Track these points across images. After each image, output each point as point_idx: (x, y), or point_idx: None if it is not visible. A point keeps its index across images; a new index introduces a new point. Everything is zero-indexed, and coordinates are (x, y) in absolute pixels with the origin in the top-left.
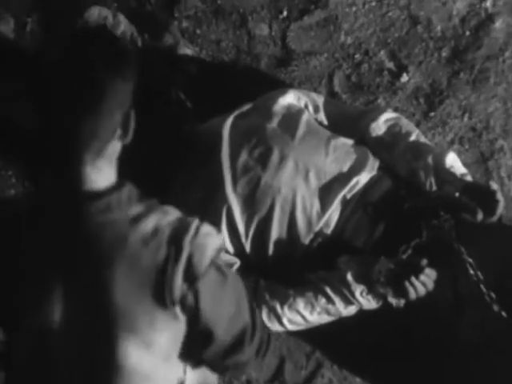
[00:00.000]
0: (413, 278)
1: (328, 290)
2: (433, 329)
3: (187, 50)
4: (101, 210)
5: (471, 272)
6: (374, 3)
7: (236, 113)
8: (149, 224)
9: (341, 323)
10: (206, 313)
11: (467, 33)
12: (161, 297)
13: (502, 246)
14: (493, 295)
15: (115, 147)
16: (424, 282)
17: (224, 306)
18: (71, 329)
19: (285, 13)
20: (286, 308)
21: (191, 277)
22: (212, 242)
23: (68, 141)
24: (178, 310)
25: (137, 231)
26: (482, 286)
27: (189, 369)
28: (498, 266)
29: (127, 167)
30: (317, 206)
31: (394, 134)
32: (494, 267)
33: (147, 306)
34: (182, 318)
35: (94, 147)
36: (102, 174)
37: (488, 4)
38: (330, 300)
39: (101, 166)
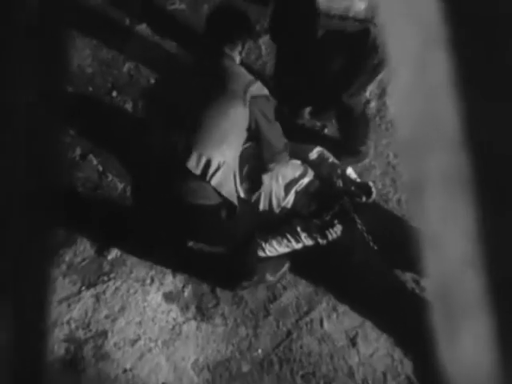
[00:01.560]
0: (330, 229)
1: (288, 236)
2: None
3: None
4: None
5: (360, 228)
6: None
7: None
8: None
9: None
10: None
11: None
12: None
13: (375, 214)
14: (370, 238)
15: None
16: (335, 232)
17: None
18: None
19: None
20: (267, 244)
21: None
22: None
23: None
24: None
25: None
26: (365, 235)
27: None
28: (374, 225)
29: None
30: (282, 194)
31: (321, 157)
32: (372, 225)
33: None
34: None
35: None
36: None
37: None
38: (289, 240)
39: None
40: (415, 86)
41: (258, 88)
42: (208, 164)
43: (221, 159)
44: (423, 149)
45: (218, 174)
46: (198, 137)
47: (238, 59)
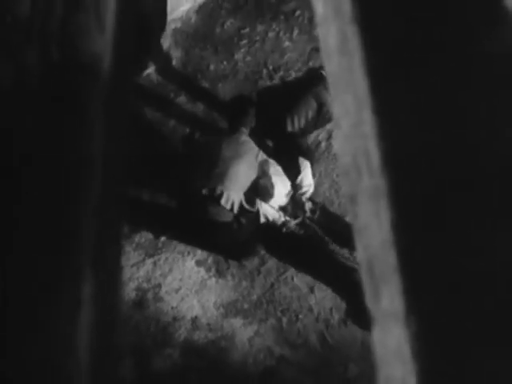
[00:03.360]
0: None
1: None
2: None
3: None
4: None
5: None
6: None
7: None
8: None
9: None
10: None
11: None
12: None
13: (324, 213)
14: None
15: None
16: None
17: None
18: None
19: None
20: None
21: None
22: None
23: None
24: None
25: None
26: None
27: None
28: (323, 220)
29: None
30: (272, 211)
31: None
32: (322, 220)
33: None
34: None
35: None
36: None
37: None
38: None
39: None
40: (351, 133)
41: (263, 154)
42: (233, 202)
43: (241, 198)
44: (356, 172)
45: (236, 206)
46: (227, 185)
47: (248, 131)
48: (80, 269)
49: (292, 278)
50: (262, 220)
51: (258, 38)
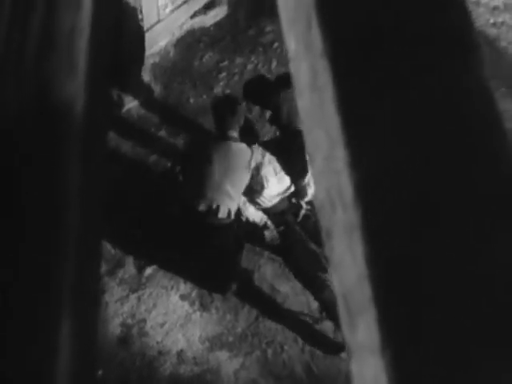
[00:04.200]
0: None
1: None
2: None
3: None
4: None
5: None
6: None
7: None
8: None
9: None
10: None
11: None
12: None
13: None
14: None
15: None
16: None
17: None
18: None
19: None
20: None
21: None
22: None
23: None
24: None
25: None
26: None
27: None
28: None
29: None
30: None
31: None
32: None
33: None
34: None
35: None
36: None
37: None
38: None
39: None
40: (324, 168)
41: (258, 155)
42: (230, 211)
43: (238, 203)
44: (330, 206)
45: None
46: (223, 198)
47: (237, 132)
48: (57, 318)
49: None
50: (244, 219)
51: (236, 70)
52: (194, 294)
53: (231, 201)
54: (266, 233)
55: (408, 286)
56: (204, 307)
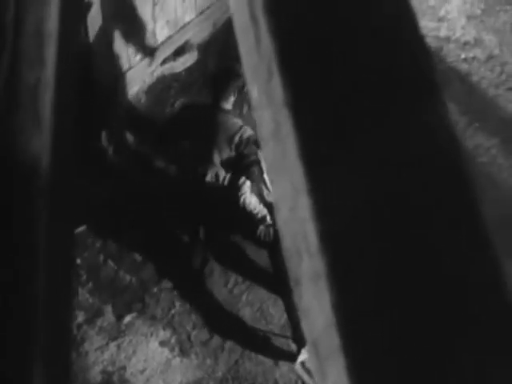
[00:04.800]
0: None
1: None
2: None
3: None
4: None
5: None
6: None
7: None
8: None
9: None
10: None
11: None
12: None
13: None
14: None
15: None
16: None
17: None
18: None
19: None
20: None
21: None
22: None
23: None
24: None
25: None
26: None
27: None
28: None
29: None
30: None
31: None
32: None
33: None
34: None
35: None
36: None
37: None
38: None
39: None
40: (289, 217)
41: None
42: (217, 176)
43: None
44: (296, 255)
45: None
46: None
47: (231, 104)
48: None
49: (255, 354)
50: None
51: None
52: (173, 340)
53: (218, 168)
54: (261, 227)
55: (375, 334)
56: (184, 353)
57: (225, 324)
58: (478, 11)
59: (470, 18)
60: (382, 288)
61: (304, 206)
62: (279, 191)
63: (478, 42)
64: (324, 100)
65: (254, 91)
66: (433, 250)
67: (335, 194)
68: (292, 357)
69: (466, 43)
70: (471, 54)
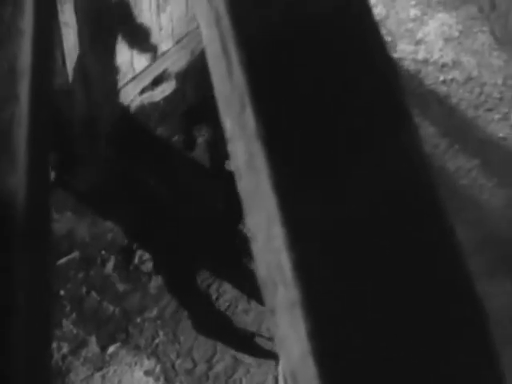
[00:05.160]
0: None
1: None
2: None
3: None
4: None
5: None
6: None
7: None
8: None
9: None
10: None
11: None
12: None
13: None
14: None
15: None
16: None
17: None
18: None
19: None
20: None
21: None
22: None
23: None
24: None
25: None
26: None
27: None
28: None
29: None
30: None
31: None
32: None
33: None
34: None
35: None
36: None
37: None
38: None
39: None
40: (264, 247)
41: None
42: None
43: None
44: (272, 284)
45: None
46: None
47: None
48: None
49: (240, 381)
50: None
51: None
52: (158, 369)
53: None
54: None
55: (352, 361)
56: (169, 382)
57: (212, 325)
58: (456, 33)
59: (447, 40)
60: (358, 314)
61: (278, 236)
62: (254, 221)
63: (456, 64)
64: (296, 131)
65: (228, 123)
66: (407, 274)
67: (308, 224)
68: (276, 356)
69: (444, 65)
70: (450, 76)
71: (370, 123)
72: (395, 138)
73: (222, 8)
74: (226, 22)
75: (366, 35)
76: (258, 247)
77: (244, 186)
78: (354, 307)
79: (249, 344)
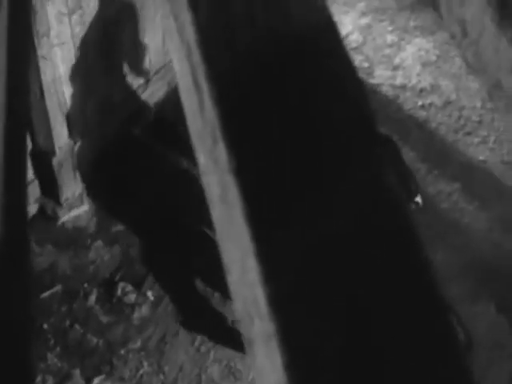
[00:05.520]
0: None
1: None
2: None
3: None
4: None
5: None
6: None
7: None
8: None
9: None
10: None
11: None
12: None
13: None
14: None
15: None
16: None
17: None
18: None
19: None
20: None
21: None
22: None
23: None
24: None
25: None
26: None
27: None
28: None
29: None
30: None
31: None
32: None
33: None
34: None
35: None
36: None
37: None
38: None
39: None
40: (239, 280)
41: None
42: None
43: None
44: (248, 317)
45: None
46: None
47: None
48: None
49: None
50: None
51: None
52: None
53: None
54: None
55: None
56: None
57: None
58: (434, 57)
59: (425, 64)
60: (332, 346)
61: (253, 269)
62: (229, 255)
63: (434, 89)
64: (268, 163)
65: (201, 156)
66: (380, 308)
67: (283, 257)
68: None
69: (422, 90)
70: (428, 101)
71: (342, 151)
72: (366, 168)
73: (193, 42)
74: (196, 56)
75: (338, 63)
76: (233, 280)
77: (217, 217)
78: (329, 339)
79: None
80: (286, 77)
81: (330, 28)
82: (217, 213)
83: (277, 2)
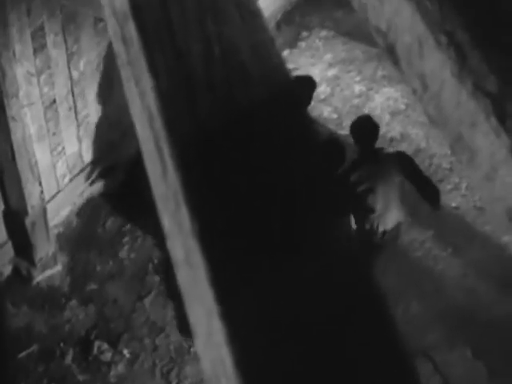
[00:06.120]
0: None
1: None
2: None
3: None
4: None
5: None
6: None
7: None
8: None
9: None
10: None
11: None
12: None
13: None
14: None
15: None
16: None
17: None
18: None
19: None
20: None
21: None
22: None
23: None
24: None
25: None
26: None
27: None
28: None
29: None
30: None
31: None
32: None
33: None
34: None
35: None
36: None
37: None
38: None
39: None
40: (206, 341)
41: None
42: None
43: None
44: (215, 378)
45: None
46: None
47: None
48: None
49: None
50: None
51: (139, 233)
52: None
53: None
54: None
55: None
56: None
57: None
58: (402, 106)
59: (394, 113)
60: None
61: (218, 331)
62: (195, 316)
63: (404, 137)
64: (231, 226)
65: (165, 220)
66: (345, 362)
67: (246, 317)
68: None
69: (392, 139)
70: (399, 149)
71: (304, 214)
72: (330, 230)
73: (155, 108)
74: (158, 122)
75: (297, 124)
76: (199, 342)
77: (182, 279)
78: None
79: None
80: (247, 140)
81: (287, 87)
82: (182, 275)
83: (236, 66)
